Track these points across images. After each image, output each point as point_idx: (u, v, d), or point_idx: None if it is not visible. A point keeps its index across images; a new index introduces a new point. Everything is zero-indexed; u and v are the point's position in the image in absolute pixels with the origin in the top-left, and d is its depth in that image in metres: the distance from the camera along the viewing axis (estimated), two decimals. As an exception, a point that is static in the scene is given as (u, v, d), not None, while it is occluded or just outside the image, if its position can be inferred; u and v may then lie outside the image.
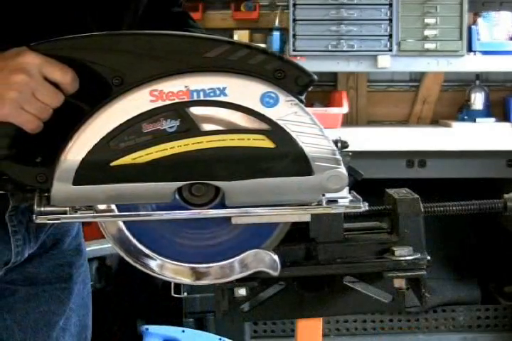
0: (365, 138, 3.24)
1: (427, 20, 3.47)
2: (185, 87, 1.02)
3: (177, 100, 1.02)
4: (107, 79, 1.03)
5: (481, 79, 3.76)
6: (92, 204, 1.06)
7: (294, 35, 3.45)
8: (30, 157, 1.08)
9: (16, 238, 1.30)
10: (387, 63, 3.45)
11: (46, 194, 1.06)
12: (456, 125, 3.60)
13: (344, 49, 3.43)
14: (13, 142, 1.07)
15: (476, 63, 3.54)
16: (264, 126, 1.03)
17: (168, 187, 1.05)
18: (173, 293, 2.81)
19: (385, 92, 3.86)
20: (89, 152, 1.03)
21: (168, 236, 1.10)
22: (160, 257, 1.10)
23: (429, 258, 1.13)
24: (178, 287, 2.81)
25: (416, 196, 1.18)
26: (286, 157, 1.04)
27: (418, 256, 1.13)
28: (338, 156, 1.06)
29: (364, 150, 3.17)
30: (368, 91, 3.83)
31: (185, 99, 1.02)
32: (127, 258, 1.10)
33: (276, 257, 1.08)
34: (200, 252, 1.10)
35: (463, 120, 3.68)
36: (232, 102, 1.03)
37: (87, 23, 1.21)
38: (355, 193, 1.12)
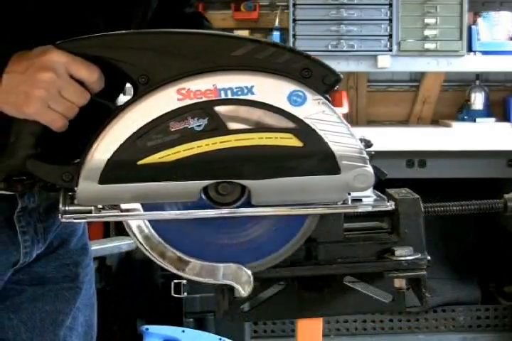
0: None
1: (427, 20, 3.47)
2: (213, 85, 1.01)
3: (205, 99, 1.01)
4: (133, 77, 1.02)
5: (481, 79, 3.76)
6: (118, 204, 1.05)
7: (294, 35, 3.45)
8: (56, 156, 1.07)
9: (25, 239, 1.30)
10: (387, 63, 3.45)
11: (70, 193, 1.05)
12: (456, 125, 3.60)
13: (344, 49, 3.43)
14: (39, 141, 1.07)
15: (476, 63, 3.54)
16: (291, 124, 1.03)
17: (194, 186, 1.04)
18: (173, 293, 2.81)
19: (385, 92, 3.86)
20: (115, 151, 1.02)
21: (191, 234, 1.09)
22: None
23: (429, 258, 1.13)
24: (178, 287, 2.81)
25: (416, 196, 1.18)
26: (314, 156, 1.04)
27: (418, 256, 1.12)
28: (365, 155, 1.06)
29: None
30: (367, 91, 3.83)
31: (213, 98, 1.01)
32: (153, 257, 1.09)
33: (251, 279, 1.07)
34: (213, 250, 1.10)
35: (463, 120, 3.68)
36: (260, 101, 1.02)
37: (97, 24, 1.21)
38: (378, 192, 1.12)
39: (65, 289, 1.39)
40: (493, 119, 3.64)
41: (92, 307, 1.46)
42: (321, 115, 1.03)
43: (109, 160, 1.02)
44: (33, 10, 1.17)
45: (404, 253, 1.12)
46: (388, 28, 3.45)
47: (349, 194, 1.07)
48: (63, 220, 1.04)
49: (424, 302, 1.14)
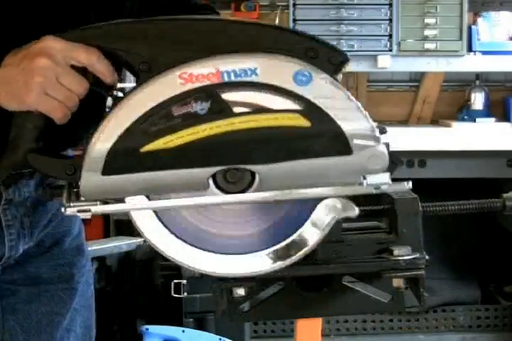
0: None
1: (427, 20, 3.47)
2: (216, 68, 0.98)
3: (208, 82, 0.98)
4: (134, 66, 1.00)
5: (481, 79, 3.76)
6: (123, 196, 1.01)
7: (294, 35, 3.45)
8: (58, 149, 1.06)
9: (10, 232, 1.29)
10: (387, 63, 3.46)
11: (76, 190, 1.02)
12: (456, 125, 3.60)
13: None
14: (40, 134, 1.05)
15: (476, 63, 3.54)
16: (298, 104, 0.99)
17: (201, 175, 1.00)
18: (173, 293, 2.81)
19: (385, 92, 3.86)
20: (117, 139, 0.98)
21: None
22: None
23: (427, 257, 1.13)
24: (178, 287, 2.81)
25: (414, 195, 1.18)
26: (324, 135, 0.99)
27: (417, 255, 1.12)
28: (378, 134, 1.02)
29: (364, 150, 3.17)
30: (367, 91, 3.83)
31: (216, 81, 0.98)
32: (163, 252, 1.06)
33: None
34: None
35: (463, 120, 3.68)
36: (264, 82, 0.99)
37: (88, 17, 1.21)
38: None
39: (60, 290, 1.39)
40: (493, 119, 3.64)
41: (90, 308, 1.46)
42: (328, 93, 1.00)
43: (111, 148, 0.99)
44: (22, 4, 1.17)
45: (402, 253, 1.12)
46: (388, 28, 3.46)
47: (364, 178, 1.03)
48: (67, 213, 1.00)
49: (423, 302, 1.14)
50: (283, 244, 1.05)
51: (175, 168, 0.99)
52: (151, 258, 2.92)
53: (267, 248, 1.05)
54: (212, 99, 0.98)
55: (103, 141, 0.99)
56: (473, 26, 3.62)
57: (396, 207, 1.16)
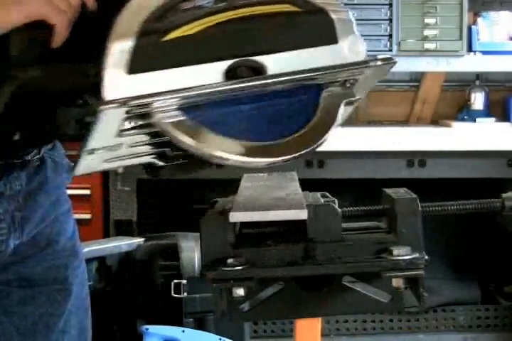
0: (365, 138, 3.24)
1: (427, 20, 3.47)
2: None
3: None
4: None
5: (481, 79, 3.76)
6: (147, 96, 0.97)
7: (294, 35, 3.45)
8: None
9: (1, 226, 1.27)
10: (387, 63, 3.45)
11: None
12: (456, 125, 3.60)
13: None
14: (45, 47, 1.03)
15: (476, 63, 3.54)
16: None
17: (217, 68, 1.00)
18: (173, 293, 2.81)
19: (385, 92, 3.86)
20: (137, 34, 0.97)
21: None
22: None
23: (427, 257, 1.13)
24: (178, 287, 2.81)
25: (414, 196, 1.18)
26: (316, 23, 1.03)
27: (416, 255, 1.12)
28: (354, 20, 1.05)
29: (364, 150, 3.18)
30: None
31: None
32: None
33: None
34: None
35: (463, 120, 3.68)
36: None
37: None
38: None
39: (55, 291, 1.38)
40: (493, 119, 3.64)
41: (85, 310, 1.45)
42: None
43: (134, 45, 0.97)
44: None
45: (401, 253, 1.12)
46: (388, 28, 3.45)
47: None
48: (101, 108, 0.94)
49: (423, 302, 1.14)
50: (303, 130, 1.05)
51: (193, 61, 0.99)
52: (151, 258, 2.93)
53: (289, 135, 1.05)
54: None
55: (123, 37, 0.97)
56: (473, 26, 3.62)
57: (396, 207, 1.16)
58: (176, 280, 2.79)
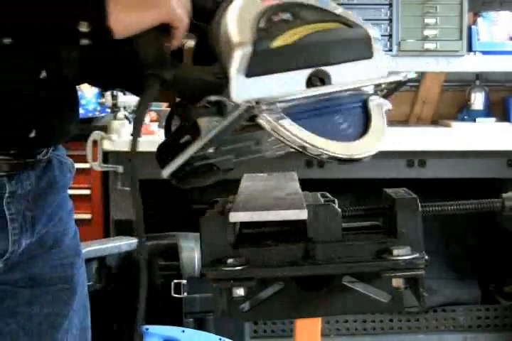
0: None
1: (426, 20, 3.47)
2: None
3: (276, 1, 1.11)
4: None
5: (481, 79, 3.76)
6: (265, 99, 1.06)
7: (294, 35, 3.45)
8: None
9: (14, 226, 1.28)
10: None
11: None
12: (456, 125, 3.60)
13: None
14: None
15: (476, 63, 3.54)
16: (334, 17, 1.16)
17: (302, 75, 1.09)
18: (173, 293, 2.81)
19: (385, 92, 3.86)
20: (253, 40, 1.06)
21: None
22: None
23: (427, 257, 1.13)
24: (178, 287, 2.81)
25: (414, 196, 1.18)
26: (361, 39, 1.14)
27: (416, 255, 1.12)
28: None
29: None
30: (368, 91, 3.83)
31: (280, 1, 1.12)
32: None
33: None
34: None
35: (463, 120, 3.68)
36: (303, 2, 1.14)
37: None
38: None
39: (61, 291, 1.38)
40: (493, 119, 3.64)
41: (85, 309, 1.45)
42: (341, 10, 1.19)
43: (252, 51, 1.05)
44: None
45: (401, 253, 1.12)
46: (388, 28, 3.46)
47: None
48: (237, 99, 1.05)
49: (423, 302, 1.14)
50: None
51: (291, 67, 1.08)
52: (151, 258, 2.92)
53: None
54: (289, 12, 1.10)
55: (242, 43, 1.06)
56: (473, 26, 3.62)
57: (396, 207, 1.16)
58: (175, 280, 2.79)
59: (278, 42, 1.07)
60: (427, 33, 3.47)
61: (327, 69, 1.10)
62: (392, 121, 3.85)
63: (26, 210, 1.30)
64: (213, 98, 1.07)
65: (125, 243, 2.93)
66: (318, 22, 1.12)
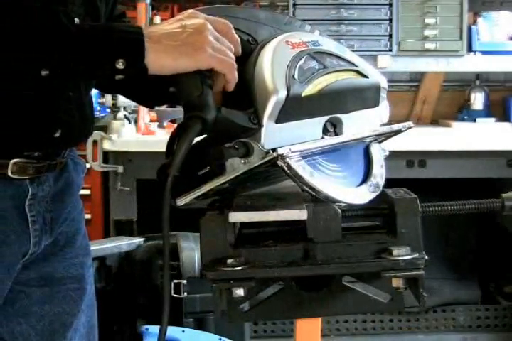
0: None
1: (426, 20, 3.47)
2: (300, 39, 1.18)
3: (304, 48, 1.16)
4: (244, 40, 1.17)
5: (481, 79, 3.76)
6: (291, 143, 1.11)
7: (294, 35, 3.45)
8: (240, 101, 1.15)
9: (35, 228, 1.30)
10: (387, 63, 3.45)
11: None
12: (456, 125, 3.60)
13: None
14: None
15: (476, 63, 3.54)
16: (352, 66, 1.20)
17: (320, 122, 1.16)
18: (172, 293, 2.81)
19: (385, 92, 3.86)
20: (287, 87, 1.11)
21: None
22: None
23: (426, 257, 1.13)
24: (178, 287, 2.81)
25: (414, 196, 1.18)
26: (372, 88, 1.21)
27: (416, 255, 1.13)
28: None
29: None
30: (368, 91, 3.83)
31: (307, 48, 1.17)
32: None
33: None
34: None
35: (463, 120, 3.68)
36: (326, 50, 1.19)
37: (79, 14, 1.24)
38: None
39: (71, 290, 1.38)
40: (493, 119, 3.64)
41: (93, 307, 1.46)
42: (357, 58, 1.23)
43: (285, 98, 1.10)
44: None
45: (401, 253, 1.12)
46: (388, 28, 3.46)
47: None
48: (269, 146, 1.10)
49: (422, 302, 1.14)
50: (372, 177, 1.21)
51: (313, 115, 1.15)
52: (151, 258, 2.92)
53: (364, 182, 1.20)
54: (316, 59, 1.16)
55: (276, 90, 1.10)
56: (473, 26, 3.62)
57: (395, 207, 1.16)
58: (175, 280, 2.78)
59: (307, 91, 1.12)
60: (426, 33, 3.47)
61: (341, 116, 1.17)
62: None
63: (46, 212, 1.32)
64: (244, 140, 1.11)
65: (125, 243, 2.93)
66: (338, 71, 1.18)
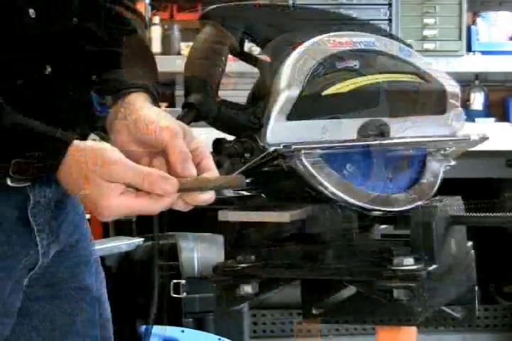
0: (365, 138, 3.24)
1: (426, 20, 3.47)
2: (350, 39, 1.17)
3: (348, 47, 1.15)
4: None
5: (480, 79, 3.76)
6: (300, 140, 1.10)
7: (294, 35, 3.45)
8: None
9: (42, 237, 1.26)
10: (386, 63, 3.45)
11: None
12: (456, 125, 3.60)
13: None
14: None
15: (475, 63, 3.54)
16: (411, 68, 1.18)
17: (354, 124, 1.14)
18: (172, 293, 2.81)
19: (384, 92, 3.86)
20: (303, 85, 1.10)
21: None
22: None
23: (431, 268, 1.11)
24: (177, 287, 2.81)
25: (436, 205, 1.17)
26: (433, 93, 1.18)
27: (418, 266, 1.10)
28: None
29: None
30: (367, 91, 3.83)
31: (352, 47, 1.16)
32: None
33: None
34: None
35: (462, 120, 3.68)
36: (383, 50, 1.18)
37: None
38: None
39: (73, 290, 1.38)
40: (492, 119, 3.64)
41: (95, 307, 1.45)
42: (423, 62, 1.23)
43: (299, 95, 1.09)
44: None
45: (402, 263, 1.09)
46: (388, 28, 3.45)
47: None
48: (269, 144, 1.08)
49: (417, 315, 1.11)
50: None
51: (338, 115, 1.13)
52: (150, 258, 2.92)
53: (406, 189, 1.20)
54: (359, 59, 1.15)
55: (289, 87, 1.10)
56: (472, 26, 3.62)
57: (411, 216, 1.15)
58: (175, 281, 2.79)
59: (330, 90, 1.11)
60: (426, 33, 3.47)
61: (385, 119, 1.15)
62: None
63: (52, 220, 1.28)
64: (243, 140, 1.11)
65: (125, 243, 2.93)
66: (392, 72, 1.16)
